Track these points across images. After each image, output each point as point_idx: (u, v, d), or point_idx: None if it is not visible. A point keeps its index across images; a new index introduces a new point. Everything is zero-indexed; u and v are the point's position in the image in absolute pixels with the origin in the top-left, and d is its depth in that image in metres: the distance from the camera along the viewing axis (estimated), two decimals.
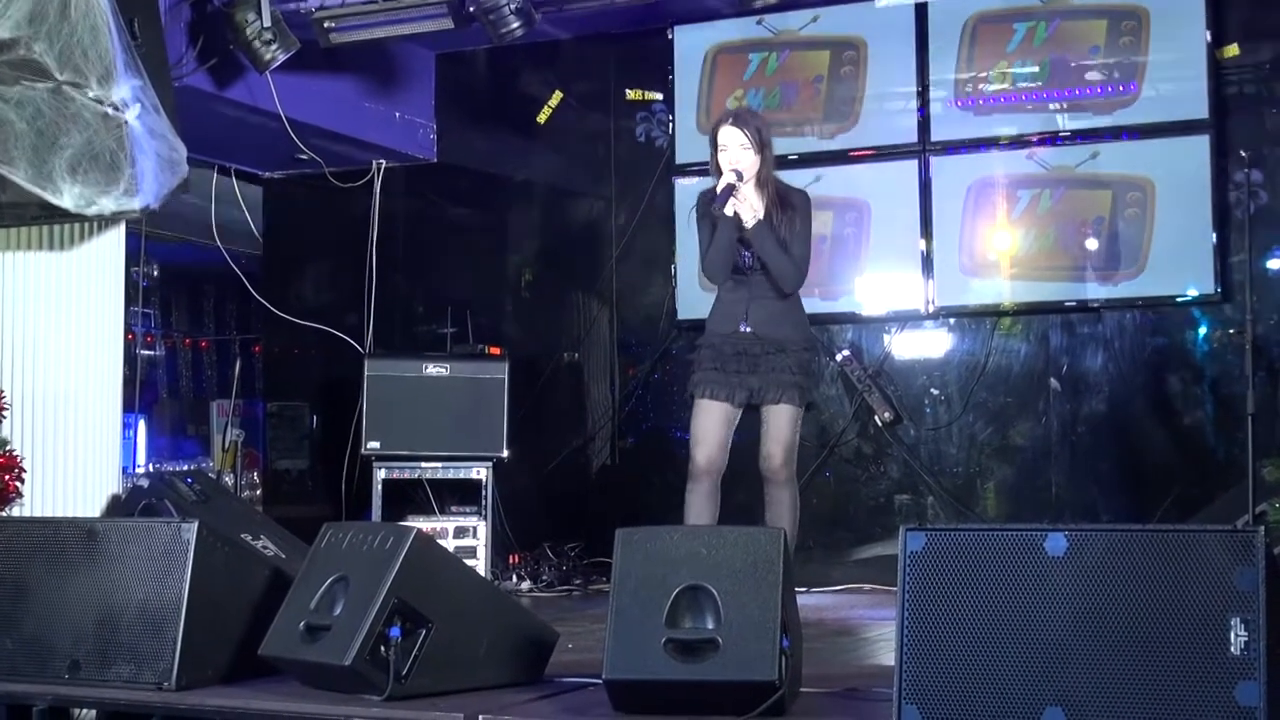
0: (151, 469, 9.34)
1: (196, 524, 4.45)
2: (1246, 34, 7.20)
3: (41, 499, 5.64)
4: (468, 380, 7.76)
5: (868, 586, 7.50)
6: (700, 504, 5.73)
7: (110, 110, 5.21)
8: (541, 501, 8.27)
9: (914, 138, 7.72)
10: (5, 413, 5.50)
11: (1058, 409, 7.48)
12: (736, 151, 5.71)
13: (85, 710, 4.54)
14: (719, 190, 5.67)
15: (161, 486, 5.93)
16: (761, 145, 5.73)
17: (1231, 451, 6.97)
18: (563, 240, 8.63)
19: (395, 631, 4.05)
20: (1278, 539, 5.07)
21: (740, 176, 5.69)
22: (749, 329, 5.78)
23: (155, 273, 10.68)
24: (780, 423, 5.75)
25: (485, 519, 7.59)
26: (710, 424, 5.75)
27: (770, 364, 5.74)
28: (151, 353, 11.14)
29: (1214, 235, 7.10)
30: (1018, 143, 7.54)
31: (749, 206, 5.72)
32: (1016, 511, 7.46)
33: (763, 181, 5.77)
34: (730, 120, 5.80)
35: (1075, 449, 7.44)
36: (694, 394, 5.82)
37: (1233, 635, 3.22)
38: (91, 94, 5.16)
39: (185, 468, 9.01)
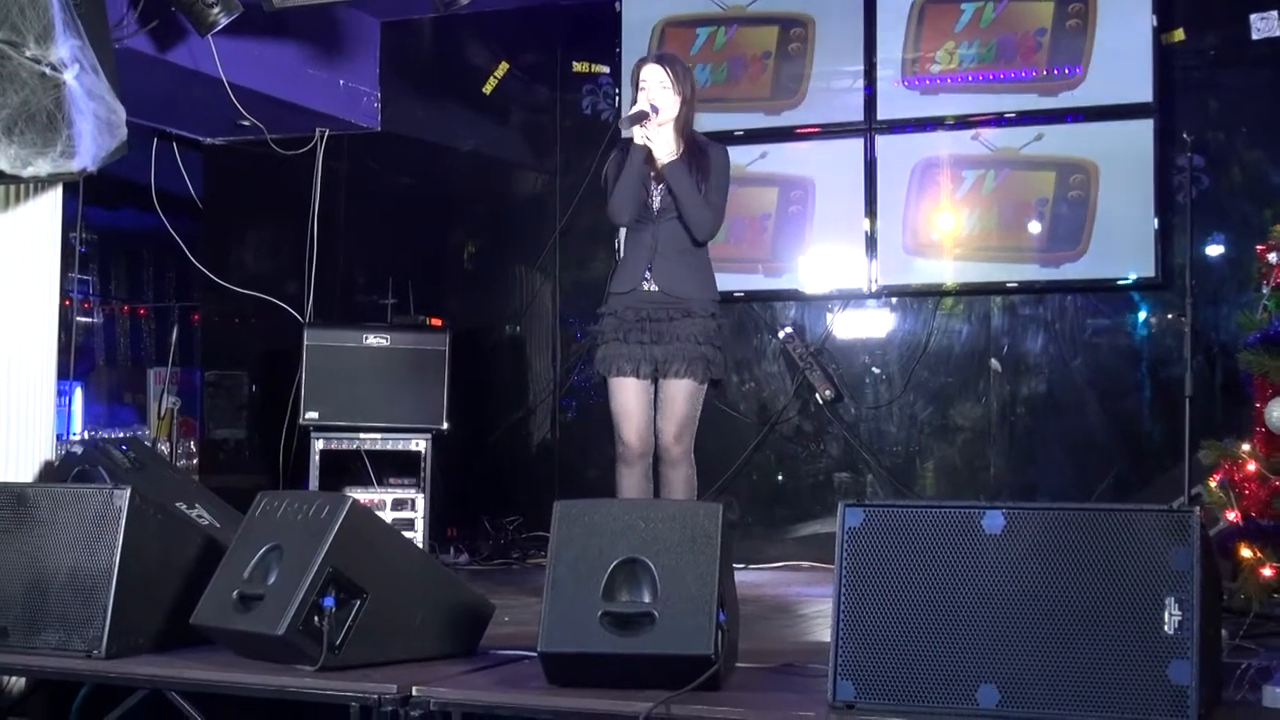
0: (87, 436, 9.23)
1: (129, 490, 4.38)
2: (1192, 19, 7.24)
3: None
4: (408, 351, 7.71)
5: (806, 564, 7.52)
6: (640, 487, 5.60)
7: (48, 70, 5.12)
8: (481, 474, 8.24)
9: (860, 116, 7.71)
10: None
11: (998, 389, 7.51)
12: (656, 89, 5.64)
13: (13, 678, 4.49)
14: (630, 115, 5.60)
15: (96, 453, 5.84)
16: (683, 90, 5.66)
17: (1169, 434, 7.01)
18: (506, 212, 8.58)
19: (329, 601, 4.00)
20: (1213, 520, 5.14)
21: (655, 110, 5.60)
22: (653, 286, 5.63)
23: (93, 238, 10.55)
24: (678, 398, 5.57)
25: (424, 491, 7.55)
26: (629, 399, 5.61)
27: (675, 332, 5.58)
28: (88, 319, 11.03)
29: (1156, 219, 7.14)
30: (963, 123, 7.55)
31: (665, 144, 5.62)
32: (955, 491, 7.49)
33: (680, 127, 5.67)
34: (654, 59, 5.76)
35: (1014, 429, 7.48)
36: (602, 373, 5.69)
37: (1167, 614, 3.23)
38: (29, 53, 5.06)
39: (121, 435, 8.90)
